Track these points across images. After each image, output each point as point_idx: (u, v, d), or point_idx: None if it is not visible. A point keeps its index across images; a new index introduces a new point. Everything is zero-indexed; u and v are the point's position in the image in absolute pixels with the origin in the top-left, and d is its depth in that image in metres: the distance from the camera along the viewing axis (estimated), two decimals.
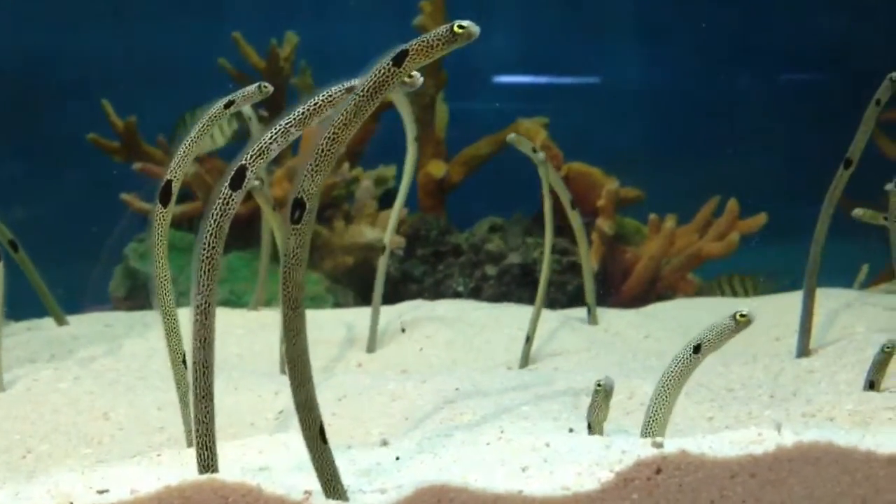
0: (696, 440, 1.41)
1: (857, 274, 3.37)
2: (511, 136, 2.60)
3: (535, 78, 5.07)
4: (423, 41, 1.25)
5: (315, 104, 1.39)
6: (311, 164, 1.30)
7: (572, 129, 4.33)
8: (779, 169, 4.45)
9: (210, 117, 1.76)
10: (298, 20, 4.14)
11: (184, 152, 1.76)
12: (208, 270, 1.40)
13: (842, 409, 1.86)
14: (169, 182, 1.76)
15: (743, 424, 1.86)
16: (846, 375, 2.14)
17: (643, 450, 1.36)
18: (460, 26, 1.24)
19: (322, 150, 1.29)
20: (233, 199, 1.39)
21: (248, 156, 1.40)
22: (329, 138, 1.29)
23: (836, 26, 4.71)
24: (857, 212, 2.45)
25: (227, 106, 1.76)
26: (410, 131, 2.64)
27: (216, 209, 1.39)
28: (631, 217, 3.94)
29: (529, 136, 3.84)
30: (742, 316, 1.50)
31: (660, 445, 1.37)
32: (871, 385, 1.98)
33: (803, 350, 2.42)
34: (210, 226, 1.39)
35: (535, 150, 2.64)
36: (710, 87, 4.94)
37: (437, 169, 3.82)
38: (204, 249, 1.39)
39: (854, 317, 2.72)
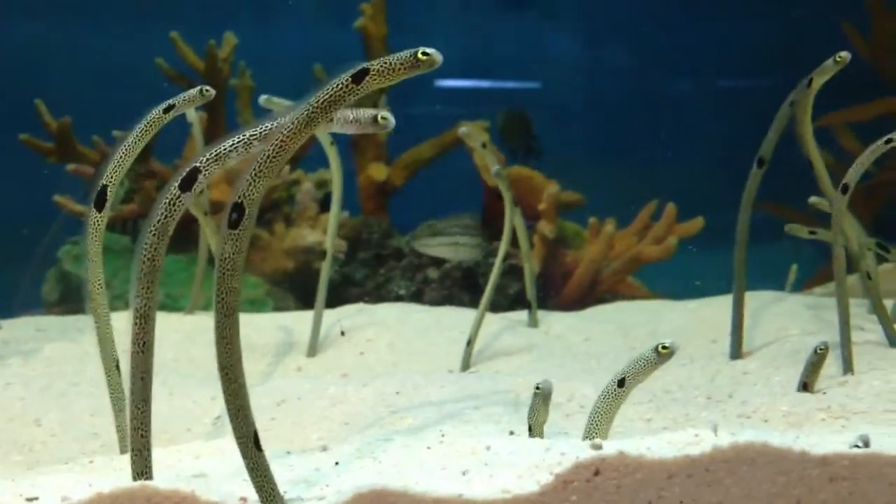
0: (635, 442, 1.42)
1: (788, 275, 3.44)
2: (462, 130, 2.60)
3: (478, 82, 5.09)
4: (386, 63, 1.24)
5: (279, 125, 1.36)
6: (254, 169, 1.27)
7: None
8: (716, 173, 4.52)
9: (149, 122, 1.72)
10: (238, 21, 4.10)
11: (121, 157, 1.72)
12: (149, 273, 1.37)
13: (776, 411, 1.89)
14: (104, 187, 1.72)
15: (680, 426, 1.88)
16: (780, 377, 2.17)
17: (582, 452, 1.36)
18: (424, 53, 1.24)
19: (268, 157, 1.27)
20: (180, 201, 1.36)
21: (204, 159, 1.38)
22: (276, 146, 1.27)
23: (771, 34, 4.81)
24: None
25: (166, 111, 1.73)
26: (324, 137, 2.62)
27: (162, 210, 1.36)
28: (571, 221, 3.97)
29: (470, 140, 3.86)
30: (664, 348, 1.52)
31: (599, 447, 1.38)
32: (805, 386, 2.02)
33: (736, 352, 2.46)
34: (154, 227, 1.35)
35: (483, 146, 2.65)
36: (650, 93, 5.02)
37: (379, 172, 3.81)
38: (146, 251, 1.36)
39: (788, 319, 2.77)
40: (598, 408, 1.59)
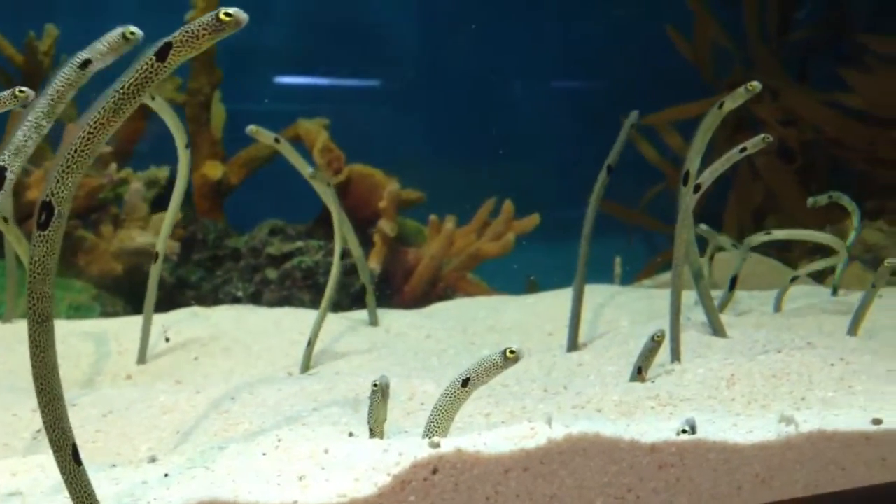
0: (472, 438, 1.42)
1: (614, 268, 3.57)
2: (250, 128, 2.54)
3: (317, 80, 5.03)
4: (188, 31, 1.18)
5: (56, 91, 1.27)
6: (62, 165, 1.19)
7: (354, 130, 4.33)
8: (551, 171, 4.64)
9: None
10: (59, 11, 3.89)
11: None
12: None
13: (609, 400, 1.94)
14: None
15: (518, 419, 1.90)
16: (612, 368, 2.24)
17: (420, 451, 1.35)
18: (227, 14, 1.18)
19: (76, 150, 1.19)
20: None
21: (5, 156, 1.28)
22: (85, 138, 1.19)
23: (602, 39, 4.98)
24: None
25: None
26: (179, 139, 2.51)
27: None
28: (412, 218, 3.97)
29: (310, 138, 3.81)
30: (511, 353, 1.53)
31: (436, 445, 1.37)
32: (639, 371, 2.09)
33: (573, 344, 2.52)
34: None
35: (277, 141, 2.60)
36: (487, 92, 5.09)
37: (214, 170, 3.69)
38: None
39: (619, 311, 2.86)
40: (440, 406, 1.58)
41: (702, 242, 2.84)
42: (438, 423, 1.59)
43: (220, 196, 3.74)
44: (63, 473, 1.27)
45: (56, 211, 1.20)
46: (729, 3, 4.85)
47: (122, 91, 1.18)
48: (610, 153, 2.53)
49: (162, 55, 1.18)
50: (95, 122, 1.19)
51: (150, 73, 1.18)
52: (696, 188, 2.23)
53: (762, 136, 2.13)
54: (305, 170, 2.71)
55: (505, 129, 5.04)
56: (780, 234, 3.06)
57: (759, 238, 2.97)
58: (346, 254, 2.82)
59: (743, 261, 2.90)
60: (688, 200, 2.23)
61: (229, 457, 1.60)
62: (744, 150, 2.16)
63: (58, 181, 1.19)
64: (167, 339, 2.66)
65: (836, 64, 4.55)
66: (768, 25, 4.78)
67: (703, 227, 2.66)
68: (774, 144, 4.72)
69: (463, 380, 1.57)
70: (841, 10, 4.89)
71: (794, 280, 3.04)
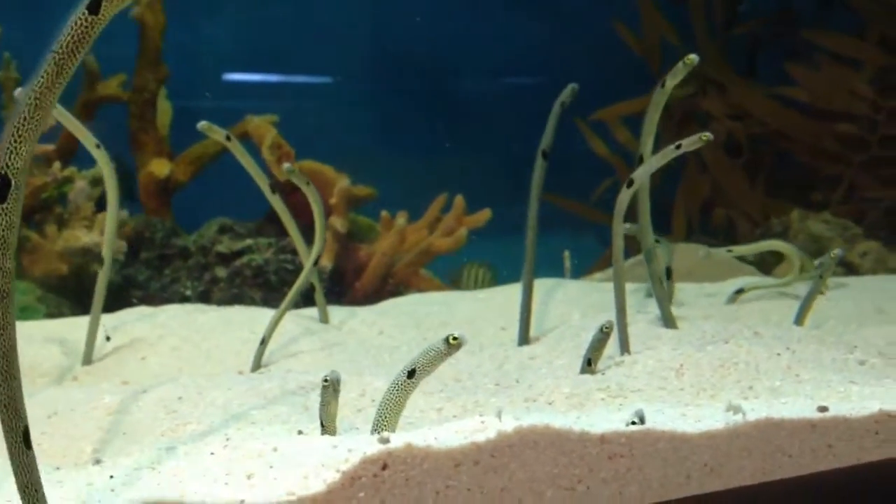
0: (423, 432, 1.41)
1: (563, 261, 3.59)
2: (202, 124, 2.51)
3: (266, 76, 4.99)
4: None
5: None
6: (13, 135, 1.15)
7: (304, 127, 4.30)
8: (502, 166, 4.65)
9: None
10: (2, 10, 3.80)
11: None
12: None
13: (560, 393, 1.95)
14: None
15: (470, 413, 1.90)
16: (563, 360, 2.25)
17: (370, 447, 1.34)
18: None
19: (25, 118, 1.16)
20: None
21: None
22: (32, 104, 1.16)
23: (552, 34, 5.00)
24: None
25: None
26: (87, 142, 2.46)
27: None
28: (363, 215, 3.95)
29: (259, 134, 3.77)
30: (454, 339, 1.52)
31: (386, 441, 1.36)
32: (589, 362, 2.10)
33: (524, 338, 2.53)
34: None
35: (228, 139, 2.57)
36: (438, 88, 5.09)
37: (161, 168, 3.64)
38: None
39: (571, 305, 2.87)
40: (387, 399, 1.57)
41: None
42: (386, 416, 1.57)
43: (167, 194, 3.69)
44: (11, 457, 1.23)
45: (13, 182, 1.16)
46: None
47: (60, 51, 1.15)
48: (542, 138, 2.52)
49: (94, 7, 1.15)
50: (40, 87, 1.15)
51: (85, 27, 1.15)
52: (629, 183, 2.23)
53: (700, 134, 2.09)
54: (253, 168, 2.68)
55: (455, 124, 5.04)
56: (739, 249, 3.11)
57: (720, 253, 3.04)
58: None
59: (671, 253, 2.91)
60: (623, 195, 2.23)
61: (176, 457, 1.58)
62: (679, 146, 2.13)
63: (10, 152, 1.16)
64: (108, 339, 2.62)
65: (784, 59, 4.61)
66: (715, 20, 4.84)
67: (628, 225, 2.63)
68: (722, 138, 4.80)
69: (409, 371, 1.56)
70: (788, 6, 4.96)
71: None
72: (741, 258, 3.74)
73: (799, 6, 4.97)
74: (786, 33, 4.85)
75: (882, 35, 4.51)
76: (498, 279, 3.92)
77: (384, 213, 3.76)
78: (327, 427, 1.63)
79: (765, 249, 3.11)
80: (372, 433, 1.56)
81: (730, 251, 3.06)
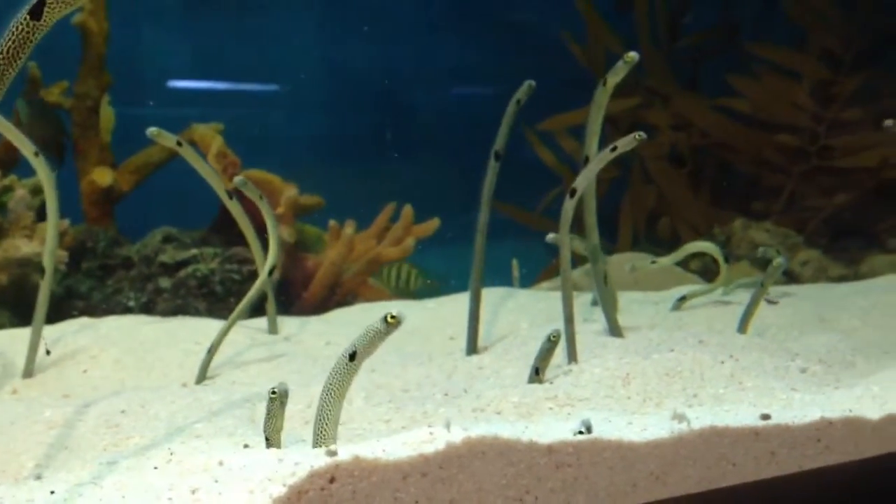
0: (371, 444, 1.40)
1: (512, 270, 3.60)
2: (151, 130, 2.47)
3: (212, 83, 4.94)
4: None
5: None
6: None
7: (250, 135, 4.26)
8: (450, 176, 4.66)
9: None
10: None
11: None
12: None
13: (508, 402, 1.95)
14: None
15: (419, 424, 1.90)
16: (512, 370, 2.25)
17: (317, 460, 1.33)
18: None
19: None
20: None
21: None
22: None
23: (500, 43, 5.03)
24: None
25: None
26: (25, 150, 2.41)
27: None
28: (311, 224, 3.93)
29: (204, 143, 3.72)
30: (392, 317, 1.51)
31: (334, 453, 1.35)
32: (537, 371, 2.11)
33: (473, 348, 2.53)
34: None
35: (179, 144, 2.53)
36: (387, 97, 5.08)
37: (103, 177, 3.57)
38: None
39: (519, 314, 2.88)
40: (330, 385, 1.55)
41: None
42: (330, 403, 1.55)
43: (109, 203, 3.62)
44: None
45: None
46: (621, 10, 4.95)
47: (0, 57, 1.13)
48: (497, 138, 2.51)
49: (36, 13, 1.13)
50: None
51: (26, 33, 1.13)
52: (572, 193, 2.24)
53: (633, 134, 2.06)
54: (209, 174, 2.64)
55: (404, 133, 5.04)
56: (664, 260, 3.14)
57: (646, 266, 3.07)
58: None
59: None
60: (567, 205, 2.24)
61: (119, 472, 1.55)
62: (614, 148, 2.12)
63: None
64: (48, 352, 2.56)
65: (727, 71, 4.69)
66: (660, 32, 4.90)
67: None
68: (666, 149, 4.87)
69: (350, 354, 1.54)
70: (730, 18, 5.05)
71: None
72: (684, 266, 3.79)
73: (741, 18, 5.06)
74: (728, 45, 4.93)
75: (822, 47, 4.61)
76: (444, 288, 3.91)
77: (332, 223, 3.75)
78: (272, 440, 1.61)
79: (687, 253, 3.15)
80: (316, 422, 1.54)
81: (654, 262, 3.10)
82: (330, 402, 1.55)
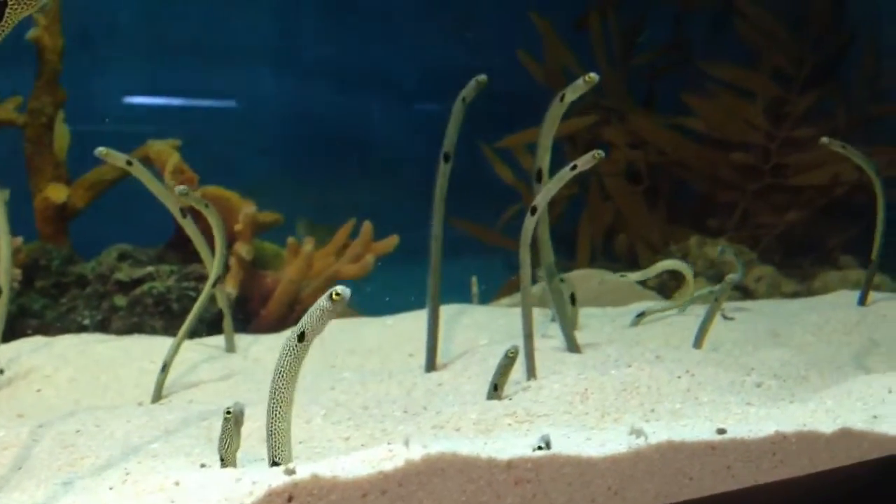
0: (329, 462, 1.40)
1: (471, 287, 3.61)
2: (99, 150, 2.45)
3: (168, 99, 4.90)
4: None
5: None
6: None
7: (208, 152, 4.23)
8: (409, 192, 4.66)
9: None
10: None
11: None
12: None
13: (467, 419, 1.95)
14: None
15: (377, 442, 1.89)
16: (471, 386, 2.26)
17: (275, 478, 1.32)
18: None
19: None
20: None
21: None
22: None
23: (458, 61, 5.05)
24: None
25: None
26: None
27: None
28: (269, 241, 3.91)
29: (161, 159, 3.69)
30: (337, 294, 1.50)
31: (292, 472, 1.34)
32: (496, 388, 2.11)
33: (432, 364, 2.53)
34: None
35: (129, 164, 2.52)
36: (346, 113, 5.08)
37: (58, 193, 3.53)
38: None
39: (478, 330, 2.89)
40: (281, 367, 1.54)
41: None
42: (282, 385, 1.54)
43: (64, 220, 3.58)
44: None
45: None
46: (579, 28, 5.00)
47: None
48: (444, 139, 2.48)
49: None
50: None
51: None
52: (533, 210, 2.25)
53: (592, 152, 2.08)
54: (161, 192, 2.63)
55: (363, 150, 5.04)
56: (633, 276, 3.18)
57: (615, 280, 3.10)
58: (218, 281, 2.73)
59: (573, 286, 2.95)
60: (528, 222, 2.25)
61: (74, 493, 1.53)
62: (574, 167, 2.15)
63: None
64: (1, 372, 2.52)
65: (682, 88, 4.76)
66: (615, 50, 4.96)
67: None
68: (623, 166, 4.91)
69: (298, 334, 1.53)
70: (683, 36, 5.12)
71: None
72: (642, 282, 3.83)
73: (694, 37, 5.13)
74: (682, 64, 5.00)
75: (774, 66, 4.70)
76: (406, 304, 3.91)
77: (291, 240, 3.73)
78: (227, 460, 1.60)
79: (658, 271, 3.19)
80: (268, 412, 1.53)
81: (623, 276, 3.14)
82: (281, 385, 1.53)
